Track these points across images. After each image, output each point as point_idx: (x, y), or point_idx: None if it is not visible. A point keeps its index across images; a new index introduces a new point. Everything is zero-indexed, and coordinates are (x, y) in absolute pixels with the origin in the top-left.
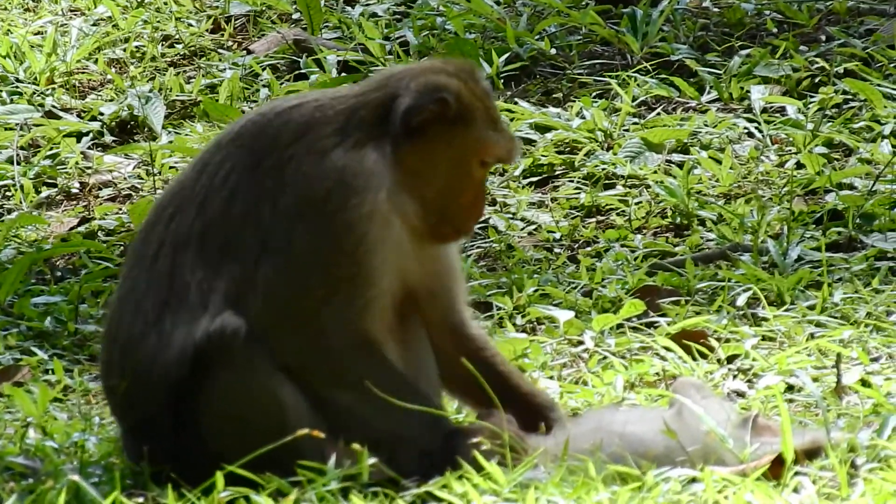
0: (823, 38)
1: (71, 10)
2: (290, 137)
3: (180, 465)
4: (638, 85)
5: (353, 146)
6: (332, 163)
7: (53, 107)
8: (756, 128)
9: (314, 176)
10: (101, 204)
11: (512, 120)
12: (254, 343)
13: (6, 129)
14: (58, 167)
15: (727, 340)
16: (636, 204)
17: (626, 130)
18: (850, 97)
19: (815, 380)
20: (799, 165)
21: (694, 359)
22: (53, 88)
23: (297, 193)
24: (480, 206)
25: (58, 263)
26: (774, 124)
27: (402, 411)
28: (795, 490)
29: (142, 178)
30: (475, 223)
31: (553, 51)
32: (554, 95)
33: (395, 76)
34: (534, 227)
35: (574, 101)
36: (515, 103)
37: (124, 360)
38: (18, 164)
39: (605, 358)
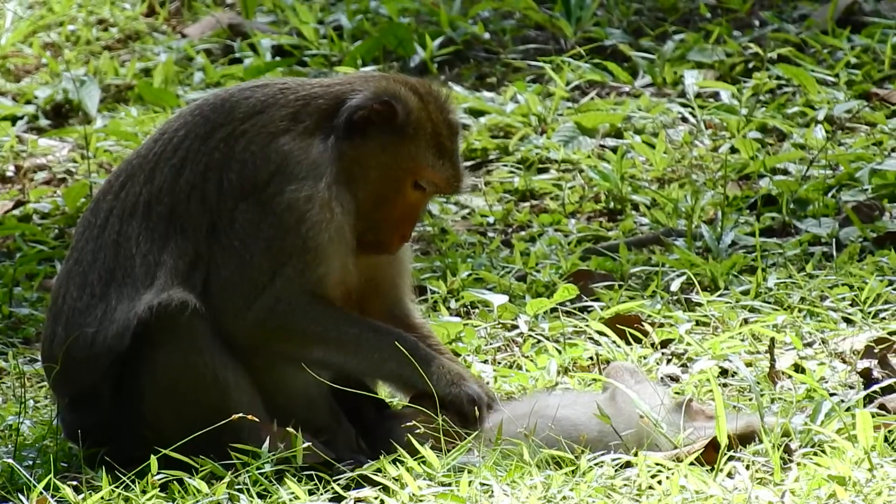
0: (757, 23)
1: None
2: (246, 113)
3: (116, 443)
4: (571, 70)
5: (302, 133)
6: (278, 146)
7: None
8: (690, 112)
9: (260, 157)
10: (35, 187)
11: None
12: (200, 320)
13: None
14: None
15: (661, 325)
16: (570, 188)
17: (560, 115)
18: (783, 82)
19: (749, 365)
20: (733, 150)
21: (628, 343)
22: None
23: (242, 173)
24: (406, 229)
25: None
26: (708, 109)
27: (379, 349)
28: (729, 475)
29: (76, 162)
30: (399, 244)
31: (487, 35)
32: (488, 80)
33: (364, 77)
34: (467, 210)
35: (508, 86)
36: (449, 87)
37: (68, 332)
38: None
39: (539, 342)
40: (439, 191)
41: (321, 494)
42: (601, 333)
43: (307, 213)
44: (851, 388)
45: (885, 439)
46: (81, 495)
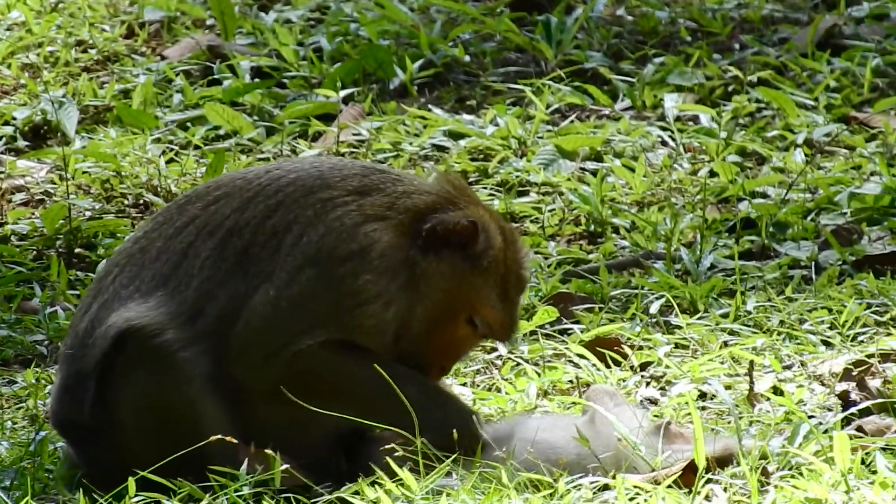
0: (737, 46)
1: None
2: (354, 187)
3: (95, 449)
4: (552, 92)
5: (395, 227)
6: (366, 230)
7: None
8: (669, 136)
9: (347, 232)
10: (13, 209)
11: (425, 127)
12: (181, 348)
13: None
14: None
15: (640, 348)
16: (550, 211)
17: (540, 138)
18: (763, 106)
19: (728, 387)
20: (712, 174)
21: (607, 366)
22: None
23: (323, 238)
24: (448, 362)
25: None
26: (688, 132)
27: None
28: (707, 497)
29: (55, 183)
30: (438, 376)
31: (467, 58)
32: (468, 102)
33: (470, 198)
34: None
35: (488, 109)
36: (429, 110)
37: (100, 311)
38: None
39: (518, 365)
40: (490, 333)
41: None
42: (581, 356)
43: (368, 305)
44: (829, 410)
45: (863, 462)
46: None
